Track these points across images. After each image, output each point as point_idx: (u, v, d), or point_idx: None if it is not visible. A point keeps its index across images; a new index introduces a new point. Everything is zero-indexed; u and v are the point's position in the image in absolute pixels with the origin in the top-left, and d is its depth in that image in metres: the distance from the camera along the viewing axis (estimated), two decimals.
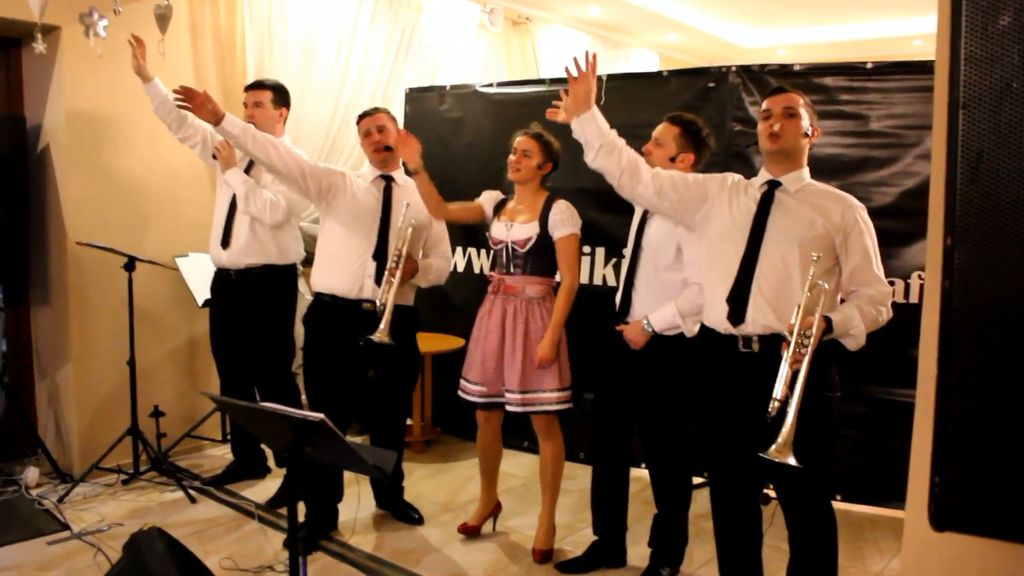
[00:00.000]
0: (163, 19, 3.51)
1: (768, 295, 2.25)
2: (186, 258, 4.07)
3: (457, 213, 3.20)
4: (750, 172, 2.59)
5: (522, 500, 3.71)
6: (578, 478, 3.79)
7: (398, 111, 4.67)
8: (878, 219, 2.35)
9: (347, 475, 3.40)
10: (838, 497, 3.34)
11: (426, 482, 3.96)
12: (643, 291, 2.84)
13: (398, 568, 3.05)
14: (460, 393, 3.18)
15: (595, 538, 3.07)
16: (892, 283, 3.20)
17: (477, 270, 4.44)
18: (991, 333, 1.20)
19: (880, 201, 3.33)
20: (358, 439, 4.17)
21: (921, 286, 3.28)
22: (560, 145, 3.04)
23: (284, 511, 3.37)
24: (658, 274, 2.80)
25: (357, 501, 3.44)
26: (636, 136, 2.69)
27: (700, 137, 2.82)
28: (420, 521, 3.45)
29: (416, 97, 4.75)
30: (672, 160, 2.77)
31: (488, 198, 3.19)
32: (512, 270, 3.05)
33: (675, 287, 2.74)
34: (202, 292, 3.93)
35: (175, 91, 2.98)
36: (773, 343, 2.21)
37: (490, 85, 4.49)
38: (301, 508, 3.13)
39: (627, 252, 2.94)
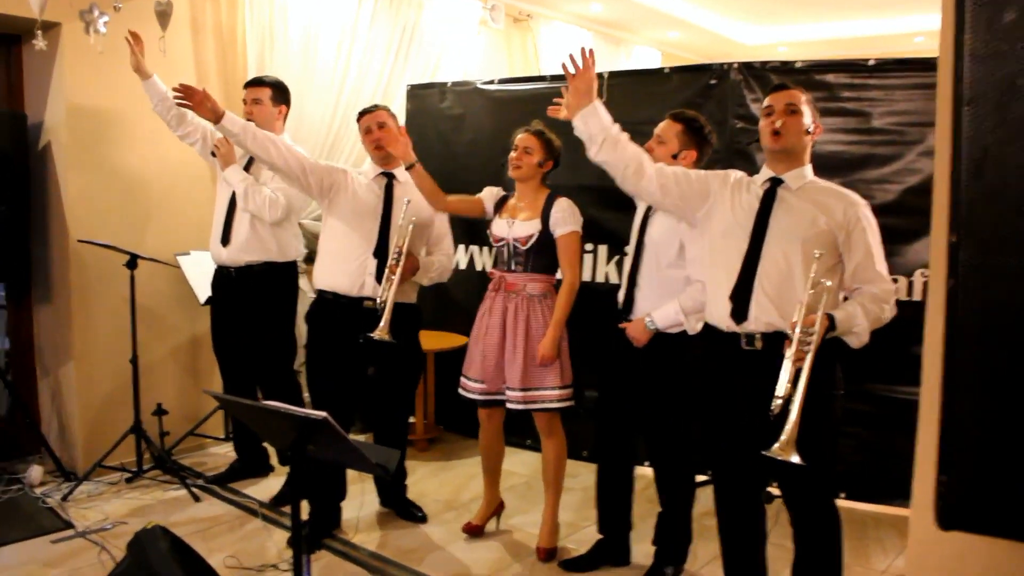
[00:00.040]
0: (164, 16, 3.49)
1: (770, 292, 2.24)
2: (187, 256, 4.06)
3: (456, 205, 3.18)
4: (752, 169, 2.58)
5: (525, 498, 3.71)
6: (581, 476, 3.79)
7: (399, 108, 4.67)
8: (881, 216, 2.34)
9: (350, 473, 3.39)
10: (842, 495, 3.33)
11: (429, 480, 3.96)
12: (646, 288, 2.83)
13: (402, 566, 3.05)
14: (460, 391, 3.18)
15: (599, 536, 3.07)
16: (895, 280, 3.19)
17: (479, 268, 4.43)
18: (996, 331, 1.19)
19: (882, 198, 3.33)
20: (361, 437, 4.18)
21: (924, 283, 3.27)
22: (561, 142, 3.03)
23: (287, 509, 3.39)
24: (661, 271, 2.80)
25: (360, 499, 3.44)
26: (638, 133, 2.67)
27: (702, 134, 2.82)
28: (424, 519, 3.45)
29: (417, 94, 4.74)
30: (674, 157, 2.77)
31: (489, 194, 3.18)
32: (513, 268, 3.04)
33: (678, 284, 2.74)
34: (204, 290, 3.93)
35: (174, 89, 2.97)
36: (776, 341, 2.20)
37: (491, 82, 4.47)
38: (304, 506, 3.11)
39: (629, 249, 2.93)
